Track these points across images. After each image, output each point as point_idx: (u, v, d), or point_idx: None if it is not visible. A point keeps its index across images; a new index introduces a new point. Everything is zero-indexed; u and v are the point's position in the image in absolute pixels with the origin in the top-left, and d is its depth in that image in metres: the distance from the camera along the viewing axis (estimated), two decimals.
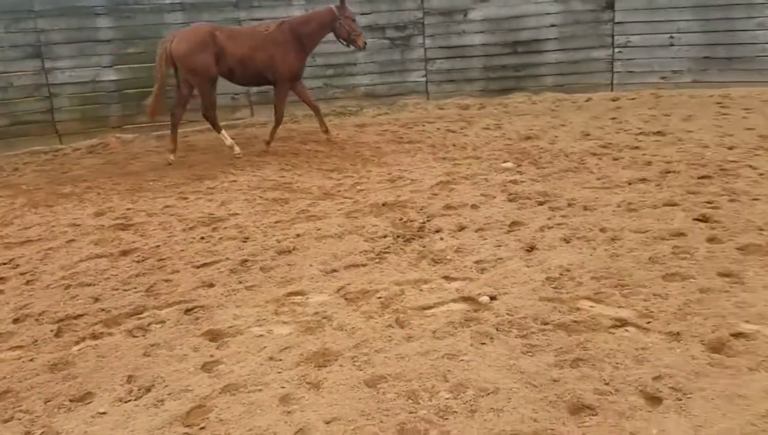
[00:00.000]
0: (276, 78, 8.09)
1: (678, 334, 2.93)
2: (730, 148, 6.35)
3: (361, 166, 7.19)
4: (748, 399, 2.36)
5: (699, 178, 5.50)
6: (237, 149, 8.03)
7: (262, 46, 7.92)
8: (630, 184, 5.53)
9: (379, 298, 3.72)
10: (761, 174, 5.43)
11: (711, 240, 4.12)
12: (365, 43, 8.19)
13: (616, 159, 6.44)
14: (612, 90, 10.22)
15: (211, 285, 4.14)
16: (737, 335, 2.87)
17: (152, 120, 8.75)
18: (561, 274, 3.81)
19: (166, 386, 2.94)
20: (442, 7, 10.44)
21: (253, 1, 10.36)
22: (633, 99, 9.61)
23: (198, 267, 4.49)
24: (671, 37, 9.62)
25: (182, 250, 4.85)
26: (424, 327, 3.27)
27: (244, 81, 8.31)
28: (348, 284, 3.97)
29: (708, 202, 4.85)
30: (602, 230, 4.48)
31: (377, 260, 4.36)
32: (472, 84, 10.76)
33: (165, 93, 7.90)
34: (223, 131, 8.17)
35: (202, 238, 5.09)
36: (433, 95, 10.82)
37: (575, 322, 3.18)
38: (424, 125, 9.26)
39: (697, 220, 4.51)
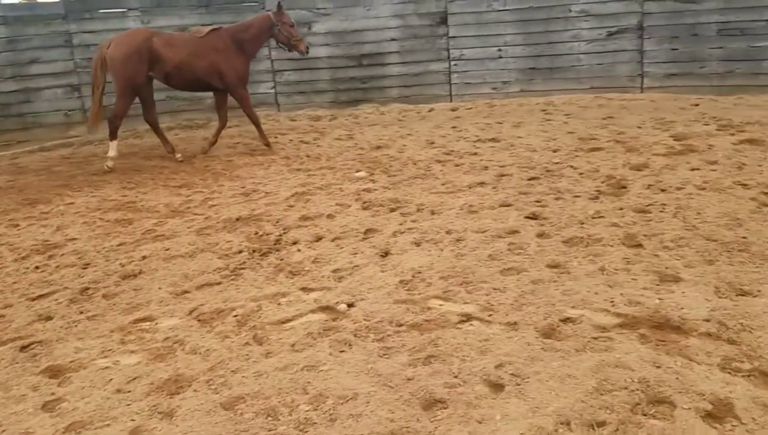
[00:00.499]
0: (226, 86, 8.23)
1: (515, 323, 3.21)
2: (555, 151, 7.03)
3: (213, 181, 7.01)
4: (576, 378, 2.65)
5: (529, 179, 6.03)
6: (110, 163, 7.79)
7: (202, 52, 7.98)
8: (470, 187, 5.93)
9: (236, 316, 3.66)
10: (581, 173, 6.07)
11: (540, 235, 4.54)
12: (308, 48, 8.48)
13: (457, 165, 6.86)
14: (451, 100, 10.89)
15: (49, 318, 3.82)
16: (565, 320, 3.21)
17: (94, 130, 8.36)
18: (413, 277, 4.00)
19: (4, 431, 2.68)
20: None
21: (84, 14, 9.69)
22: (470, 108, 10.29)
23: (33, 299, 4.12)
24: (499, 51, 10.46)
25: (15, 283, 4.43)
26: (283, 341, 3.27)
27: (181, 86, 8.37)
28: (201, 305, 3.86)
29: (537, 201, 5.33)
30: (448, 232, 4.76)
31: (232, 277, 4.28)
32: (321, 95, 10.91)
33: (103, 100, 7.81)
34: (115, 142, 7.93)
35: (37, 267, 4.68)
36: (284, 107, 10.82)
37: (427, 321, 3.36)
38: (276, 137, 9.22)
39: (528, 217, 4.94)
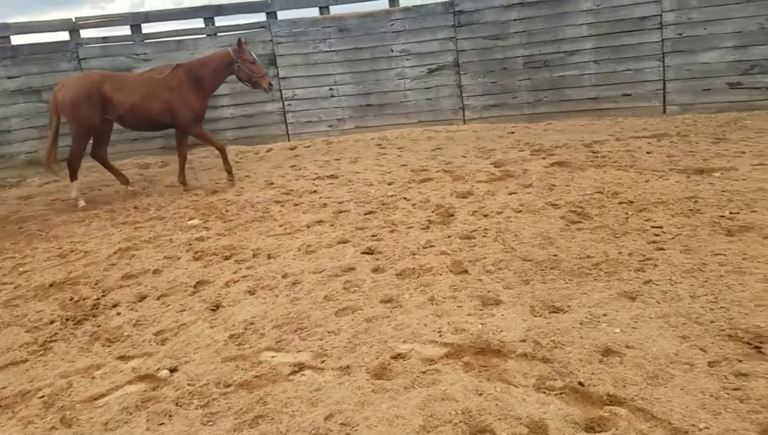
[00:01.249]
0: (179, 124, 8.03)
1: (348, 367, 3.16)
2: (390, 184, 7.22)
3: (25, 244, 6.31)
4: (404, 418, 2.64)
5: (365, 214, 6.11)
6: (82, 202, 7.73)
7: (155, 93, 7.86)
8: (309, 227, 5.88)
9: (41, 397, 3.24)
10: (414, 204, 6.27)
11: (375, 270, 4.58)
12: (271, 84, 8.28)
13: (296, 204, 6.80)
14: (289, 139, 10.86)
15: None
16: (396, 357, 3.22)
17: (49, 169, 8.05)
18: (245, 329, 3.82)
19: None
20: (110, 65, 9.94)
21: None
22: (308, 146, 10.33)
23: None
24: (331, 89, 10.65)
25: None
26: (95, 420, 2.94)
27: (138, 127, 8.26)
28: (2, 388, 3.39)
29: (373, 235, 5.41)
30: (284, 276, 4.65)
31: (41, 352, 3.82)
32: (151, 142, 10.37)
33: (57, 141, 7.73)
34: (75, 183, 7.90)
35: None
36: (110, 156, 10.10)
37: (257, 377, 3.20)
38: (101, 189, 8.55)
39: (365, 253, 4.98)
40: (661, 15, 8.87)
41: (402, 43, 10.40)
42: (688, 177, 6.10)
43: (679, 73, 8.92)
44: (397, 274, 4.45)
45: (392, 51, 10.37)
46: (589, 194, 5.88)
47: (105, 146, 8.15)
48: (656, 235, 4.67)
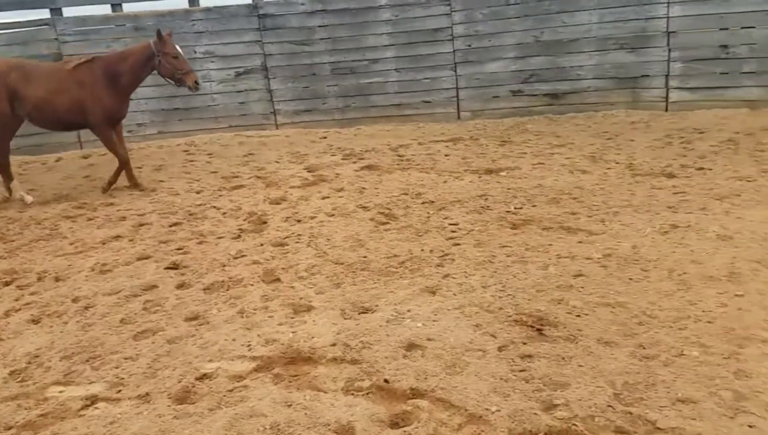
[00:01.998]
0: (90, 123, 7.14)
1: (147, 394, 2.94)
2: (198, 193, 6.90)
3: None
4: None
5: (170, 226, 5.76)
6: (28, 198, 7.13)
7: (64, 88, 6.95)
8: (104, 243, 5.39)
9: None
10: (224, 213, 6.05)
11: (180, 286, 4.33)
12: (197, 82, 7.18)
13: (90, 219, 6.20)
14: (81, 147, 9.93)
15: None
16: (202, 378, 3.06)
17: None
18: (28, 363, 3.39)
19: None
20: None
21: None
22: (104, 154, 9.48)
23: None
24: None
25: None
26: None
27: (47, 126, 7.41)
28: None
29: (179, 249, 5.11)
30: (75, 300, 4.21)
31: None
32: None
33: None
34: (15, 182, 7.35)
35: None
36: None
37: (42, 415, 2.85)
38: None
39: (169, 268, 4.69)
40: (452, 27, 9.57)
41: (205, 45, 10.02)
42: (479, 177, 6.64)
43: (469, 81, 9.69)
44: (204, 289, 4.26)
45: (195, 52, 9.94)
46: (395, 196, 6.14)
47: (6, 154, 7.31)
48: (453, 231, 5.01)
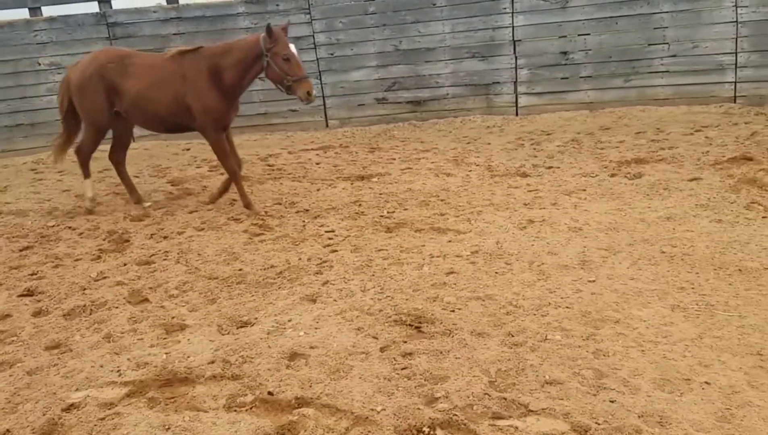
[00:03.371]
0: (198, 125, 5.94)
1: (9, 431, 2.66)
2: (50, 213, 6.35)
3: None
4: None
5: (21, 250, 5.26)
6: (88, 203, 6.30)
7: (165, 81, 5.85)
8: None
9: None
10: (81, 234, 5.62)
11: (37, 313, 3.98)
12: (310, 93, 5.64)
13: None
14: None
15: None
16: (69, 408, 2.83)
17: (58, 163, 6.66)
18: None
19: None
20: None
21: None
22: None
23: None
24: None
25: None
26: None
27: (150, 127, 6.42)
28: None
29: (32, 274, 4.68)
30: None
31: None
32: None
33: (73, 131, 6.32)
34: (88, 181, 6.42)
35: None
36: None
37: None
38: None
39: (23, 295, 4.29)
40: (313, 36, 9.63)
41: (50, 56, 9.27)
42: (352, 183, 6.74)
43: (335, 90, 9.79)
44: (64, 315, 3.94)
45: (39, 64, 9.17)
46: (269, 206, 6.06)
47: (122, 150, 6.56)
48: (330, 238, 5.04)
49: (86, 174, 6.41)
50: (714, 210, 4.87)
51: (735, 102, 8.50)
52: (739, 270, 3.84)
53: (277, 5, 9.50)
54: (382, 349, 3.21)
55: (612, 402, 2.63)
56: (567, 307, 3.56)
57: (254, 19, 9.57)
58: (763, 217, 4.63)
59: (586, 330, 3.27)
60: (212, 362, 3.14)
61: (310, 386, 2.86)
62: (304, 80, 5.58)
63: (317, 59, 9.69)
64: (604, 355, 3.02)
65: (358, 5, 9.52)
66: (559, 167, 6.66)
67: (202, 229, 5.50)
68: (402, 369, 3.00)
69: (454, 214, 5.43)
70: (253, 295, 4.04)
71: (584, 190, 5.79)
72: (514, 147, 7.81)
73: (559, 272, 4.05)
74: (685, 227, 4.59)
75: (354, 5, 9.52)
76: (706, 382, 2.73)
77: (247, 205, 5.92)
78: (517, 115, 9.47)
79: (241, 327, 3.58)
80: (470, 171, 6.85)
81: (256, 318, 3.68)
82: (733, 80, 8.52)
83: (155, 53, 6.40)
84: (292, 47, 5.59)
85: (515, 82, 9.40)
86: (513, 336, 3.27)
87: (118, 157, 6.53)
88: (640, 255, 4.19)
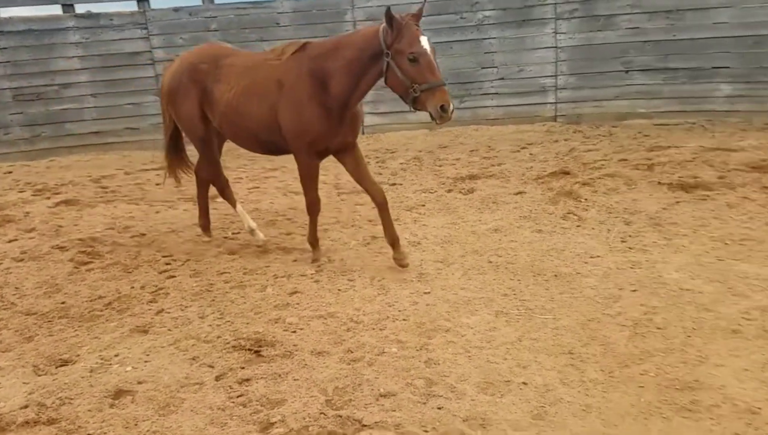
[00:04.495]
0: (290, 146, 4.45)
1: None
2: None
3: None
4: None
5: None
6: (260, 235, 5.17)
7: (262, 88, 4.37)
8: None
9: None
10: None
11: None
12: (444, 109, 3.84)
13: None
14: None
15: None
16: None
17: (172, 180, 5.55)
18: None
19: None
20: None
21: None
22: None
23: None
24: None
25: None
26: None
27: (245, 146, 4.84)
28: None
29: None
30: None
31: None
32: None
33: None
34: (240, 206, 5.30)
35: None
36: None
37: None
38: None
39: None
40: (151, 51, 9.20)
41: None
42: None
43: None
44: None
45: None
46: (99, 231, 5.65)
47: (212, 165, 5.27)
48: (168, 263, 4.81)
49: (230, 202, 5.38)
50: (535, 221, 5.31)
51: (556, 120, 9.38)
52: (555, 275, 4.21)
53: (111, 20, 8.97)
54: (217, 378, 3.11)
55: (440, 409, 2.75)
56: (404, 320, 3.68)
57: (85, 34, 8.96)
58: (577, 226, 5.12)
59: (420, 340, 3.41)
60: (25, 407, 2.85)
61: (136, 425, 2.69)
62: (437, 90, 3.83)
63: (156, 75, 9.26)
64: (435, 364, 3.15)
65: (199, 21, 9.27)
66: (401, 184, 6.91)
67: (22, 260, 5.00)
68: (238, 397, 2.92)
69: (301, 233, 5.42)
70: (76, 330, 3.72)
71: (423, 205, 6.06)
72: None
73: (398, 286, 4.18)
74: (509, 238, 4.96)
75: (194, 21, 9.25)
76: (524, 383, 2.95)
77: (312, 243, 4.77)
78: (363, 133, 9.70)
79: (61, 366, 3.28)
80: (318, 189, 6.87)
81: (78, 355, 3.40)
82: (554, 101, 9.41)
83: (258, 52, 5.04)
84: (425, 42, 3.86)
85: (361, 103, 9.62)
86: (352, 352, 3.31)
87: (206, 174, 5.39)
88: (471, 265, 4.46)
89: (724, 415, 2.65)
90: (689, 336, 3.30)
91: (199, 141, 5.00)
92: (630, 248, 4.54)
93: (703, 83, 8.32)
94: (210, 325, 3.72)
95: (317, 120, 4.25)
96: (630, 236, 4.75)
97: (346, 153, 4.61)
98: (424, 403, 2.81)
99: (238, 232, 5.51)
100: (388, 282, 4.26)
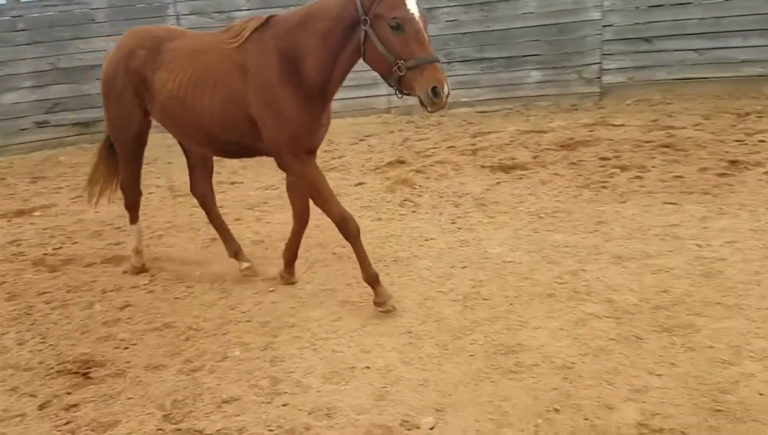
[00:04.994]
0: (268, 148, 3.58)
1: None
2: None
3: None
4: None
5: None
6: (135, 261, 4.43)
7: (217, 73, 3.57)
8: None
9: None
10: None
11: None
12: (437, 92, 3.01)
13: None
14: None
15: None
16: None
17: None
18: None
19: None
20: None
21: None
22: None
23: None
24: None
25: None
26: None
27: (196, 145, 4.04)
28: None
29: None
30: None
31: None
32: None
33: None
34: (135, 227, 4.53)
35: None
36: None
37: None
38: None
39: None
40: None
41: None
42: (9, 221, 5.87)
43: None
44: None
45: None
46: None
47: (207, 176, 4.37)
48: None
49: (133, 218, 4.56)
50: (375, 210, 5.47)
51: (390, 112, 9.69)
52: (394, 260, 4.38)
53: None
54: (41, 407, 2.85)
55: (285, 406, 2.76)
56: (247, 321, 3.62)
57: None
58: (413, 212, 5.35)
59: (265, 340, 3.38)
60: None
61: None
62: (427, 67, 3.07)
63: None
64: (280, 361, 3.15)
65: (4, 21, 8.37)
66: (242, 182, 6.76)
67: None
68: (65, 424, 2.71)
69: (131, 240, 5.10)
70: None
71: (266, 202, 5.98)
72: None
73: (241, 287, 4.10)
74: None
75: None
76: (367, 367, 3.05)
77: (370, 281, 3.66)
78: None
79: None
80: (150, 193, 6.51)
81: None
82: (387, 93, 9.69)
83: (209, 33, 4.09)
84: (411, 5, 3.13)
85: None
86: (191, 362, 3.20)
87: (202, 188, 4.51)
88: (315, 259, 4.49)
89: (544, 372, 2.93)
90: (511, 304, 3.60)
91: (132, 141, 4.18)
92: (459, 229, 4.84)
93: (516, 71, 8.99)
94: (30, 351, 3.40)
95: (302, 110, 3.44)
96: (459, 217, 5.06)
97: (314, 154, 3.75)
98: (269, 403, 2.80)
99: (60, 247, 5.06)
100: (229, 285, 4.16)
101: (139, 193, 4.58)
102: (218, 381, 2.98)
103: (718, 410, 2.54)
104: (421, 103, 3.09)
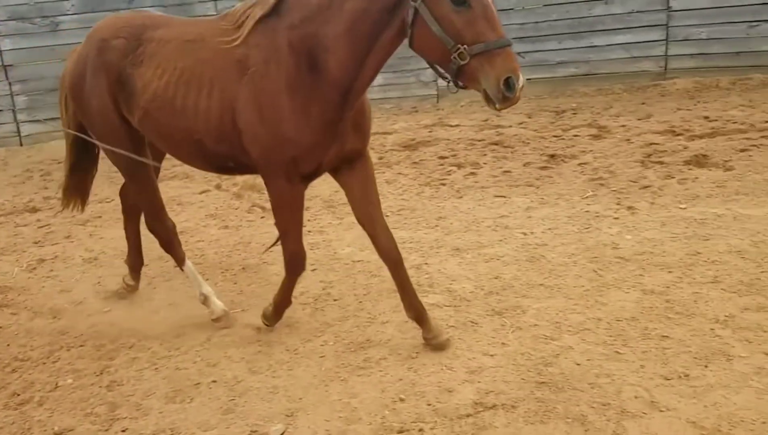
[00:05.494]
0: (255, 163, 2.99)
1: None
2: None
3: None
4: None
5: None
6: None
7: (212, 71, 2.92)
8: None
9: None
10: None
11: None
12: (511, 84, 2.38)
13: None
14: None
15: None
16: None
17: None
18: None
19: None
20: None
21: None
22: None
23: None
24: None
25: None
26: None
27: (184, 158, 3.37)
28: None
29: None
30: None
31: None
32: None
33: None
34: (189, 264, 3.64)
35: None
36: None
37: None
38: None
39: None
40: None
41: None
42: None
43: None
44: None
45: None
46: None
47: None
48: None
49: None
50: (221, 218, 5.33)
51: None
52: (243, 268, 4.31)
53: None
54: None
55: (124, 431, 2.62)
56: (81, 346, 3.38)
57: None
58: (262, 218, 5.29)
59: (100, 364, 3.18)
60: None
61: None
62: (500, 54, 2.46)
63: None
64: (118, 386, 2.98)
65: None
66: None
67: None
68: None
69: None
70: None
71: (100, 216, 5.59)
72: (21, 181, 7.01)
73: (73, 310, 3.82)
74: (196, 238, 4.89)
75: None
76: (214, 381, 2.98)
77: (278, 310, 3.34)
78: (21, 145, 8.52)
79: None
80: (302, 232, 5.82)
81: None
82: None
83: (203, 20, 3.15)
84: None
85: (14, 111, 8.44)
86: (18, 395, 2.93)
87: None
88: (156, 274, 4.29)
89: (390, 365, 3.05)
90: (360, 302, 3.70)
91: (120, 145, 3.33)
92: (309, 231, 4.86)
93: None
94: None
95: (304, 123, 2.79)
96: (308, 220, 5.09)
97: (352, 169, 3.11)
98: (107, 430, 2.64)
99: None
100: (60, 307, 3.85)
101: (172, 228, 3.71)
102: (49, 413, 2.76)
103: (542, 382, 2.80)
104: (487, 98, 2.52)
